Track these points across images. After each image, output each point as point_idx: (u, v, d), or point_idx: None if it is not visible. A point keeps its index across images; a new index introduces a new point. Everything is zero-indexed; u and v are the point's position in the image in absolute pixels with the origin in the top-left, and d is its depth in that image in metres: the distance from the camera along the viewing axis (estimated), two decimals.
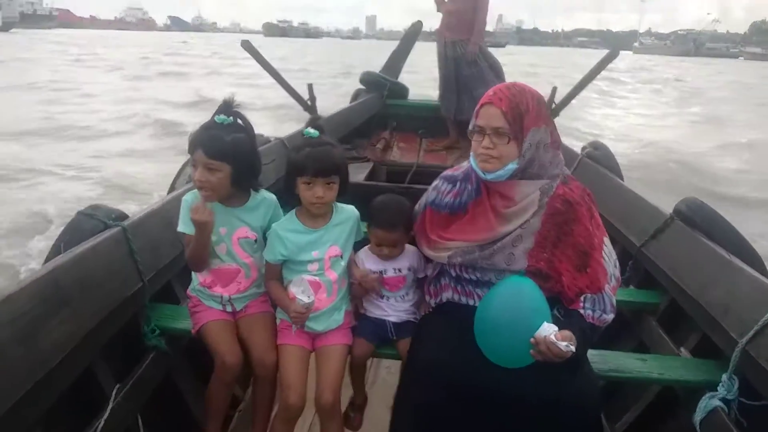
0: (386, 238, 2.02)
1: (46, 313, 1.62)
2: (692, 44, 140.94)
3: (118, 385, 1.89)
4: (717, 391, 1.96)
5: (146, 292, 2.10)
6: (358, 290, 2.07)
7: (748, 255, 2.32)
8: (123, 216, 2.20)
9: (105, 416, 1.74)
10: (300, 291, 1.88)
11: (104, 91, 19.33)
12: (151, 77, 25.83)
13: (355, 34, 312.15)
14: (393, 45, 7.31)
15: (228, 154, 1.88)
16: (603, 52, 4.79)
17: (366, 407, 2.22)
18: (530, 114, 1.77)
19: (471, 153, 1.87)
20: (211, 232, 1.93)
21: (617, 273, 1.91)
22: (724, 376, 1.96)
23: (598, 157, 4.05)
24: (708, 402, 1.95)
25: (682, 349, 2.35)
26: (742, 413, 1.92)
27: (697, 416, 1.96)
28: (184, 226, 1.98)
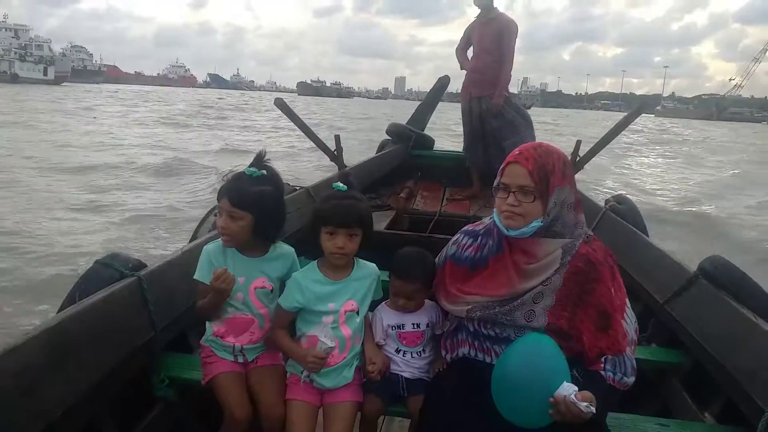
0: (402, 288, 2.02)
1: (52, 364, 1.63)
2: (714, 108, 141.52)
3: None
4: None
5: (158, 342, 2.11)
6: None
7: None
8: (140, 265, 2.23)
9: None
10: (323, 335, 1.87)
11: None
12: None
13: (384, 94, 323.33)
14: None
15: (251, 204, 1.93)
16: (624, 113, 4.77)
17: None
18: (556, 174, 1.78)
19: (494, 210, 1.87)
20: (228, 297, 1.96)
21: (636, 336, 1.86)
22: None
23: (622, 211, 3.99)
24: None
25: (706, 414, 2.24)
26: None
27: None
28: (201, 275, 2.00)
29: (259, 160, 2.00)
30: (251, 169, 1.97)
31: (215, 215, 3.02)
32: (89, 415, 1.81)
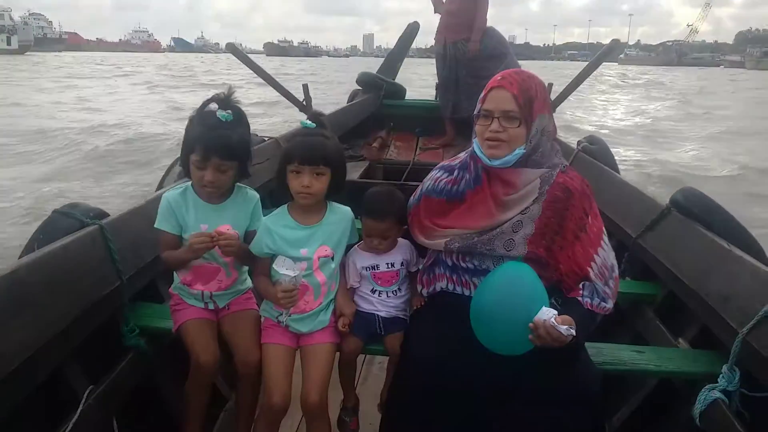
0: (375, 227, 1.97)
1: (10, 313, 1.56)
2: (675, 54, 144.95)
3: (91, 387, 1.83)
4: (717, 382, 1.90)
5: (125, 291, 2.04)
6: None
7: (748, 244, 2.25)
8: (102, 215, 2.14)
9: (74, 419, 1.68)
10: (283, 268, 1.82)
11: None
12: None
13: (352, 52, 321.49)
14: None
15: (237, 153, 1.88)
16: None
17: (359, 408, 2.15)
18: (538, 99, 1.75)
19: (474, 140, 1.83)
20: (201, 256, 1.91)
21: (614, 263, 1.86)
22: (725, 368, 1.89)
23: (594, 151, 4.00)
24: (708, 394, 1.88)
25: (680, 341, 2.28)
26: (743, 404, 1.85)
27: (697, 408, 1.89)
28: (161, 223, 1.94)
29: (227, 100, 1.90)
30: (223, 113, 1.86)
31: (179, 165, 2.95)
32: (54, 365, 1.75)
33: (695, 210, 2.48)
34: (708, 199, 2.51)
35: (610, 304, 1.78)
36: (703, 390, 1.90)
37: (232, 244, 1.87)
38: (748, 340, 1.83)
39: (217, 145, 1.83)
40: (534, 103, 1.73)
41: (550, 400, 1.63)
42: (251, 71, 4.68)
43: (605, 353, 2.05)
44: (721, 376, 1.90)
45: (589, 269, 1.76)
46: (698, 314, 2.23)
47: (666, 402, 2.23)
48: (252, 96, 18.57)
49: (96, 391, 1.83)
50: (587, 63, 4.58)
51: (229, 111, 1.87)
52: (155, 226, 1.94)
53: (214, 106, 1.89)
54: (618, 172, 3.75)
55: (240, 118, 1.91)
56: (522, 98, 1.71)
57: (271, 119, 13.92)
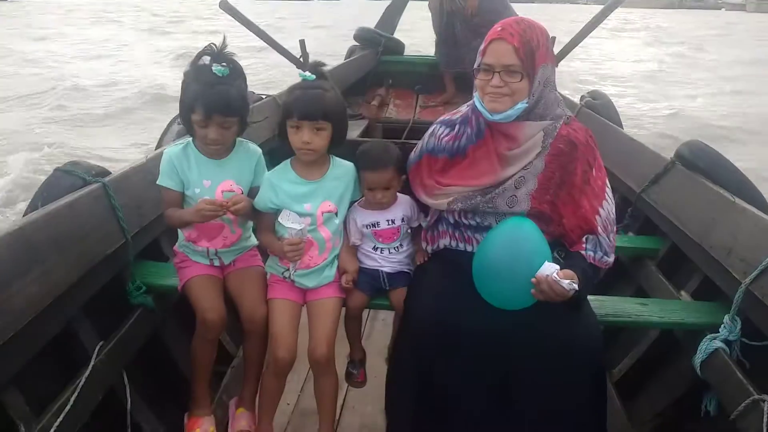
0: (377, 179, 1.94)
1: (15, 271, 1.56)
2: None
3: (101, 343, 1.85)
4: (718, 332, 1.92)
5: (130, 249, 2.04)
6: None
7: (752, 196, 2.25)
8: (105, 172, 2.13)
9: (86, 374, 1.70)
10: (289, 221, 1.82)
11: None
12: None
13: None
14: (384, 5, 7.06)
15: (238, 107, 1.85)
16: (592, 7, 4.63)
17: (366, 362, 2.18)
18: (540, 50, 1.70)
19: (475, 94, 1.79)
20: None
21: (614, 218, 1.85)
22: (726, 317, 1.91)
23: (598, 106, 3.95)
24: (709, 344, 1.91)
25: (682, 293, 2.30)
26: (744, 354, 1.88)
27: (698, 358, 1.92)
28: (164, 180, 1.92)
29: (221, 54, 1.85)
30: (219, 68, 1.82)
31: (178, 123, 2.91)
32: (64, 321, 1.77)
33: (700, 163, 2.46)
34: (713, 152, 2.49)
35: (611, 258, 1.78)
36: (704, 340, 1.92)
37: (244, 206, 1.85)
38: (750, 290, 1.85)
39: (218, 103, 1.79)
40: (536, 55, 1.67)
41: (552, 353, 1.65)
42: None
43: (608, 306, 2.07)
44: (722, 325, 1.92)
45: (595, 222, 1.76)
46: (701, 266, 2.25)
47: (667, 352, 2.26)
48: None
49: (106, 347, 1.85)
50: (589, 11, 4.46)
51: (225, 64, 1.83)
52: (158, 182, 1.93)
53: (207, 59, 1.84)
54: (622, 128, 3.72)
55: (236, 71, 1.87)
56: (523, 50, 1.66)
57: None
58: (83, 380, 1.68)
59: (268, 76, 12.74)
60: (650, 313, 2.06)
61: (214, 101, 1.79)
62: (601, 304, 2.05)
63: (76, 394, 1.63)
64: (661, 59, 20.43)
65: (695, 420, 2.01)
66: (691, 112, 12.03)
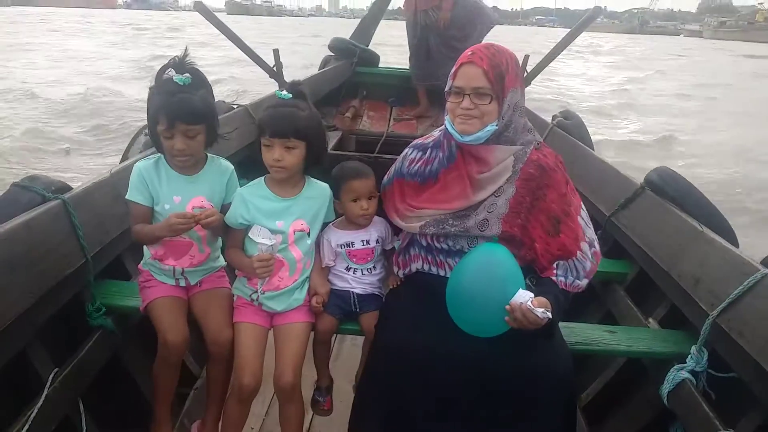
0: (363, 186, 1.94)
1: None
2: (637, 22, 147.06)
3: (56, 369, 1.77)
4: (685, 362, 1.94)
5: (90, 269, 1.97)
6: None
7: (720, 227, 2.28)
8: (65, 188, 2.05)
9: (39, 404, 1.62)
10: (259, 237, 1.79)
11: None
12: None
13: (317, 12, 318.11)
14: (357, 23, 7.05)
15: (202, 115, 1.81)
16: (558, 30, 4.70)
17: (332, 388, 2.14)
18: (510, 74, 1.73)
19: (446, 117, 1.80)
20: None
21: (595, 238, 1.87)
22: (694, 348, 1.93)
23: (569, 126, 3.99)
24: (676, 374, 1.92)
25: (650, 320, 2.32)
26: (710, 385, 1.90)
27: (665, 388, 1.93)
28: (133, 194, 1.86)
29: (182, 64, 1.81)
30: (180, 77, 1.78)
31: (145, 135, 2.83)
32: (18, 348, 1.69)
33: (669, 190, 2.49)
34: (682, 179, 2.53)
35: (584, 282, 1.80)
36: (671, 370, 1.94)
37: (215, 219, 1.81)
38: (717, 322, 1.86)
39: (180, 110, 1.76)
40: (505, 78, 1.71)
41: (525, 381, 1.65)
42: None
43: (578, 333, 2.07)
44: (689, 356, 1.94)
45: (578, 250, 1.77)
46: (668, 294, 2.27)
47: (634, 380, 2.27)
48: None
49: (61, 374, 1.77)
50: (553, 33, 4.53)
51: (187, 74, 1.80)
52: (127, 197, 1.87)
53: (171, 72, 1.81)
54: (593, 148, 3.75)
55: (199, 79, 1.83)
56: (493, 74, 1.69)
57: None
58: (35, 411, 1.60)
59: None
60: (618, 342, 2.07)
61: (175, 109, 1.75)
62: (571, 331, 2.06)
63: (27, 426, 1.55)
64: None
65: None
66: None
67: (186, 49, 1.84)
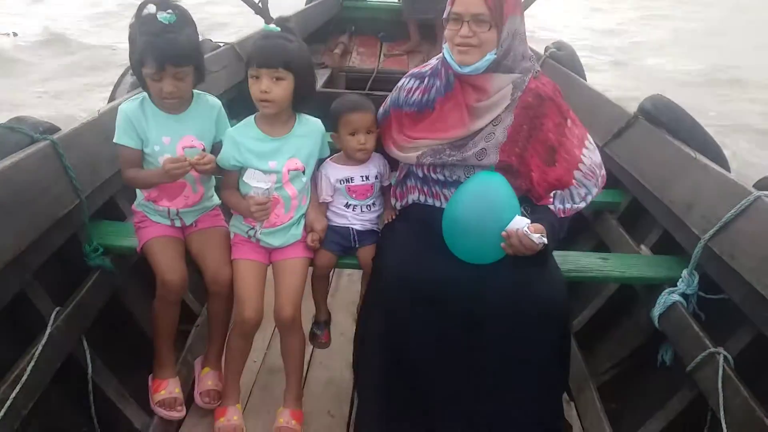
0: (361, 119, 1.90)
1: None
2: None
3: (57, 308, 1.78)
4: (676, 286, 1.98)
5: (85, 210, 1.95)
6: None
7: (714, 153, 2.29)
8: (53, 129, 2.01)
9: (43, 341, 1.64)
10: (254, 180, 1.77)
11: None
12: None
13: None
14: None
15: (191, 55, 1.76)
16: None
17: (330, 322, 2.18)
18: (509, 0, 1.68)
19: (444, 45, 1.76)
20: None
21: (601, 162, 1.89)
22: (685, 272, 1.97)
23: (562, 57, 3.93)
24: (667, 297, 1.97)
25: (642, 247, 2.35)
26: (700, 307, 1.95)
27: (656, 311, 1.99)
28: (120, 137, 1.83)
29: (166, 1, 1.74)
30: (164, 15, 1.71)
31: (131, 75, 2.76)
32: (16, 289, 1.69)
33: (663, 118, 2.48)
34: (676, 107, 2.51)
35: (581, 205, 1.81)
36: (662, 293, 1.98)
37: (210, 163, 1.79)
38: (709, 246, 1.89)
39: (169, 52, 1.70)
40: (504, 5, 1.67)
41: (520, 305, 1.67)
42: None
43: (570, 261, 2.10)
44: (680, 279, 1.98)
45: (573, 177, 1.78)
46: (660, 221, 2.29)
47: (626, 305, 2.33)
48: None
49: (63, 312, 1.79)
50: None
51: (170, 11, 1.73)
52: (114, 140, 1.83)
53: (152, 8, 1.74)
54: (585, 79, 3.71)
55: (184, 17, 1.77)
56: (493, 0, 1.64)
57: None
58: (40, 348, 1.62)
59: None
60: (611, 268, 2.11)
61: (164, 51, 1.69)
62: (564, 259, 2.08)
63: (33, 363, 1.57)
64: None
65: (651, 370, 2.09)
66: None
67: None
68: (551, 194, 1.79)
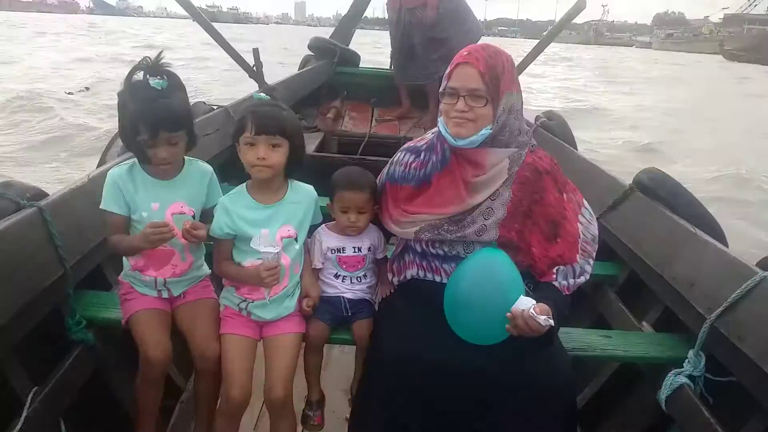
0: (353, 199, 1.89)
1: None
2: (592, 33, 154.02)
3: (36, 388, 1.67)
4: (682, 367, 1.92)
5: (69, 281, 1.87)
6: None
7: (711, 228, 2.27)
8: (41, 194, 1.95)
9: (19, 426, 1.53)
10: (262, 245, 1.74)
11: None
12: None
13: (284, 20, 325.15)
14: (324, 31, 7.00)
15: (184, 120, 1.75)
16: (521, 41, 4.79)
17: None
18: (506, 77, 1.69)
19: (440, 118, 1.76)
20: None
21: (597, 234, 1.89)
22: (691, 353, 1.91)
23: (553, 127, 3.99)
24: (674, 379, 1.91)
25: (643, 323, 2.30)
26: (708, 390, 1.88)
27: (663, 393, 1.92)
28: (108, 203, 1.77)
29: (156, 66, 1.72)
30: (157, 81, 1.70)
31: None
32: None
33: (659, 191, 2.48)
34: (672, 180, 2.52)
35: (581, 280, 1.78)
36: (669, 375, 1.92)
37: (201, 229, 1.75)
38: (716, 326, 1.84)
39: (163, 118, 1.68)
40: (501, 81, 1.67)
41: (526, 389, 1.61)
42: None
43: (574, 338, 2.04)
44: (686, 361, 1.92)
45: (577, 251, 1.76)
46: (661, 297, 2.25)
47: (628, 383, 2.25)
48: None
49: (42, 392, 1.68)
50: (515, 44, 4.57)
51: (162, 76, 1.71)
52: (101, 206, 1.78)
53: (140, 75, 1.72)
54: (576, 149, 3.75)
55: (175, 82, 1.75)
56: (488, 75, 1.65)
57: None
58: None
59: None
60: (614, 347, 2.05)
61: (158, 117, 1.67)
62: (568, 336, 2.02)
63: None
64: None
65: None
66: None
67: (160, 51, 1.77)
68: (554, 270, 1.75)
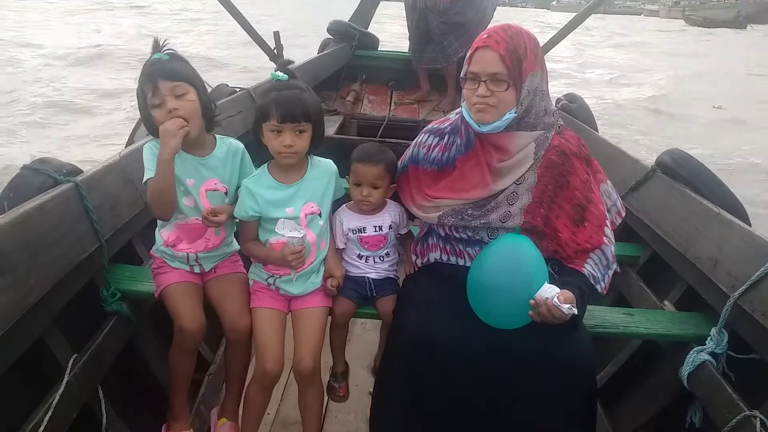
0: (366, 172, 1.87)
1: None
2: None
3: (75, 356, 1.73)
4: (704, 344, 1.94)
5: (104, 254, 1.93)
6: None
7: (734, 209, 2.26)
8: (76, 170, 2.00)
9: (60, 390, 1.58)
10: (287, 230, 1.77)
11: None
12: None
13: None
14: None
15: (186, 75, 1.75)
16: (529, 10, 4.69)
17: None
18: (528, 58, 1.63)
19: (462, 103, 1.72)
20: (174, 157, 1.74)
21: (621, 209, 1.91)
22: (714, 330, 1.93)
23: (574, 109, 3.96)
24: (696, 356, 1.92)
25: (666, 303, 2.31)
26: (730, 366, 1.90)
27: (685, 370, 1.93)
28: (151, 173, 1.77)
29: (157, 46, 1.76)
30: (158, 54, 1.74)
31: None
32: (37, 333, 1.65)
33: (682, 172, 2.48)
34: (695, 161, 2.51)
35: (614, 269, 1.78)
36: (691, 352, 1.93)
37: (221, 220, 1.81)
38: (739, 304, 1.86)
39: (160, 71, 1.70)
40: (523, 63, 1.61)
41: (547, 371, 1.62)
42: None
43: (596, 316, 2.06)
44: (709, 338, 1.93)
45: (604, 234, 1.75)
46: (684, 276, 2.26)
47: (650, 361, 2.27)
48: None
49: (80, 360, 1.74)
50: (527, 14, 4.51)
51: (167, 49, 1.76)
52: (145, 178, 1.76)
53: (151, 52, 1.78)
54: (597, 131, 3.73)
55: (176, 55, 1.78)
56: (510, 58, 1.60)
57: None
58: (57, 397, 1.56)
59: None
60: (637, 324, 2.06)
61: (155, 72, 1.70)
62: (590, 314, 2.03)
63: (50, 413, 1.52)
64: None
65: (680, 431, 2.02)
66: None
67: (161, 39, 1.79)
68: (585, 260, 1.74)
